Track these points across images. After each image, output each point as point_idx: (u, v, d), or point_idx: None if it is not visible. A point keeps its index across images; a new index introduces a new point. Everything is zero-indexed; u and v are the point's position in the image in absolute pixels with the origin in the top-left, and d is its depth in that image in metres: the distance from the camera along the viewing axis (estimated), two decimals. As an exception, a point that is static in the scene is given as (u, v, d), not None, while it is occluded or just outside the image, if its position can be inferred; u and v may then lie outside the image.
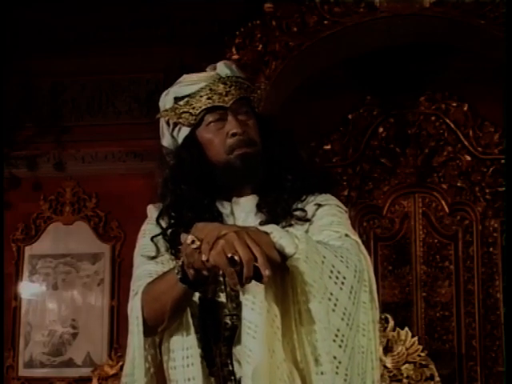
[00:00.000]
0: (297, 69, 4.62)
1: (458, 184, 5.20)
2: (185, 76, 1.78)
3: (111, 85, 4.88)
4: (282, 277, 1.47)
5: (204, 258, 1.36)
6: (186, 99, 1.73)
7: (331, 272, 1.48)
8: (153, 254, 1.70)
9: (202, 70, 5.08)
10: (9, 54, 4.68)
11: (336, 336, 1.48)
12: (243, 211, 1.72)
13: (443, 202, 5.21)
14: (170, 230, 1.70)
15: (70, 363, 4.69)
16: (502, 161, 4.92)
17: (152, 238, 1.71)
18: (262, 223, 1.65)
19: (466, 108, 5.22)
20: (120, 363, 3.98)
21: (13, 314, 4.75)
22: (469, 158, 5.20)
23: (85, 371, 4.51)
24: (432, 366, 3.62)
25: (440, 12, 4.36)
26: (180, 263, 1.47)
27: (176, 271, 1.48)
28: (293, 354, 1.50)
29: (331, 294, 1.48)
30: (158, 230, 1.72)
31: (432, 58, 5.01)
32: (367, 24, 4.47)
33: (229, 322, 1.51)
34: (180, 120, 1.73)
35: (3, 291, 4.64)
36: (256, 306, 1.40)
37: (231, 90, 1.71)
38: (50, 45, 4.76)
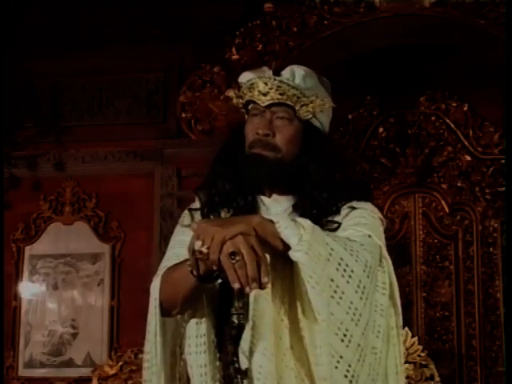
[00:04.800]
0: (297, 69, 4.61)
1: (458, 184, 5.20)
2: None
3: (111, 85, 4.88)
4: (289, 265, 1.48)
5: (214, 267, 1.40)
6: (243, 86, 1.80)
7: (339, 264, 1.49)
8: (188, 222, 1.75)
9: (202, 70, 5.06)
10: (9, 54, 4.68)
11: (338, 329, 1.48)
12: (280, 208, 1.75)
13: (443, 202, 5.20)
14: (207, 201, 1.77)
15: (70, 363, 4.69)
16: (502, 161, 4.92)
17: (190, 210, 1.78)
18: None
19: (466, 108, 5.22)
20: (120, 363, 3.98)
21: (13, 314, 4.75)
22: (469, 158, 5.19)
23: (85, 371, 4.51)
24: (432, 366, 3.63)
25: (440, 12, 4.36)
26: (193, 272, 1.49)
27: (188, 263, 1.49)
28: (300, 342, 1.51)
29: (337, 286, 1.48)
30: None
31: (432, 58, 5.01)
32: (367, 24, 4.47)
33: (236, 320, 1.51)
34: (235, 102, 1.82)
35: (3, 291, 4.64)
36: (262, 292, 1.43)
37: (271, 91, 1.74)
38: (50, 45, 4.76)
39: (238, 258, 1.36)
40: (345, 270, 1.49)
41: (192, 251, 1.44)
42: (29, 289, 4.79)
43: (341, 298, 1.48)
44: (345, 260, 1.49)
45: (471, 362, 5.03)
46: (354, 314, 1.49)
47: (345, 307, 1.48)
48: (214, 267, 1.40)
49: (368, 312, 1.52)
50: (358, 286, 1.50)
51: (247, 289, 1.39)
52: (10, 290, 4.76)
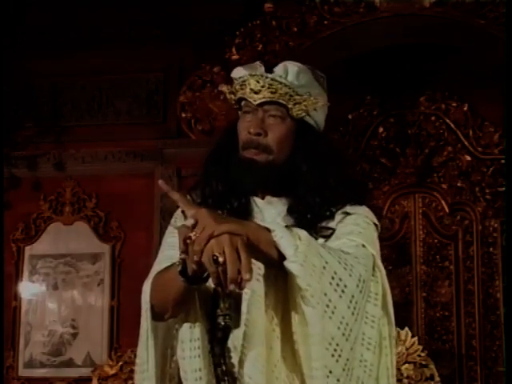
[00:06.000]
0: (297, 69, 4.61)
1: (458, 184, 5.19)
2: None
3: (111, 85, 4.88)
4: (282, 275, 1.45)
5: (195, 258, 1.37)
6: (235, 82, 1.75)
7: (332, 278, 1.46)
8: (180, 224, 1.72)
9: (202, 70, 5.03)
10: (9, 54, 4.68)
11: (329, 344, 1.45)
12: (273, 210, 1.71)
13: (443, 202, 5.20)
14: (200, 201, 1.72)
15: (70, 363, 4.69)
16: (502, 161, 4.92)
17: (182, 211, 1.71)
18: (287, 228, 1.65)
19: (466, 108, 5.21)
20: (120, 363, 3.98)
21: (13, 314, 4.75)
22: (469, 158, 5.19)
23: (85, 371, 4.51)
24: (432, 366, 3.63)
25: (440, 12, 4.36)
26: (182, 257, 1.46)
27: (177, 263, 1.47)
28: (293, 354, 1.49)
29: (330, 300, 1.45)
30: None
31: (432, 58, 5.01)
32: (367, 24, 4.47)
33: (221, 322, 1.49)
34: (228, 98, 1.77)
35: (3, 291, 4.64)
36: (254, 299, 1.41)
37: (262, 89, 1.69)
38: (50, 45, 4.76)
39: (220, 260, 1.34)
40: (338, 285, 1.46)
41: (181, 233, 1.40)
42: (29, 289, 4.79)
43: (333, 312, 1.45)
44: (338, 274, 1.46)
45: (471, 362, 5.03)
46: (345, 329, 1.46)
47: (336, 322, 1.45)
48: (195, 258, 1.37)
49: (358, 326, 1.50)
50: (351, 302, 1.47)
51: (229, 288, 1.36)
52: (10, 290, 4.76)
